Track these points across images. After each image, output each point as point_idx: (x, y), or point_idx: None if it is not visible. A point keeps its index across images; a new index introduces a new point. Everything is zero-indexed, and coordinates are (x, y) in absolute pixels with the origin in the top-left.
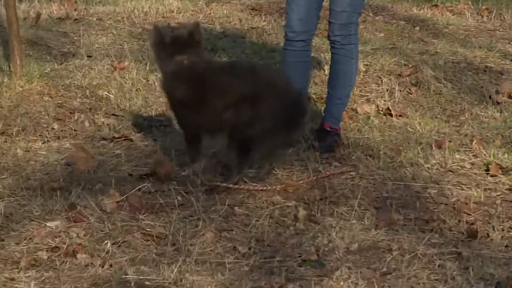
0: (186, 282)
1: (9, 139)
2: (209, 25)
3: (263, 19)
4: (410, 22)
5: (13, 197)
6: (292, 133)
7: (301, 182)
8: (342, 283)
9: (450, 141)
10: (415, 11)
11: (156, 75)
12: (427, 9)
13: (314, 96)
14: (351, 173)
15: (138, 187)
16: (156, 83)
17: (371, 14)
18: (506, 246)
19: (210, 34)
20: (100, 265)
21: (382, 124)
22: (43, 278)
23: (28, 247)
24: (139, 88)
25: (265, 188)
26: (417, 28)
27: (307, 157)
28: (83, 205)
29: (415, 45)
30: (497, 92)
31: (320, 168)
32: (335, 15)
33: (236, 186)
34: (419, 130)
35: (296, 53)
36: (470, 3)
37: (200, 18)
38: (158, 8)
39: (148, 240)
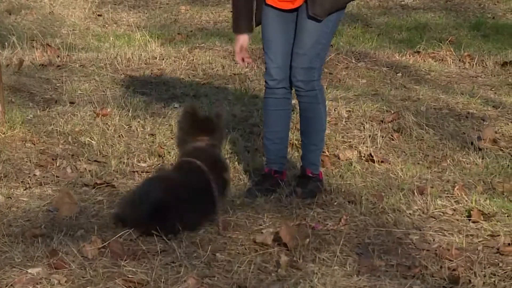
0: None
1: None
2: (192, 72)
3: (246, 65)
4: (392, 68)
5: None
6: None
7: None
8: None
9: (432, 187)
10: (397, 57)
11: (139, 121)
12: (409, 56)
13: (296, 142)
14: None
15: (120, 234)
16: (138, 129)
17: (353, 61)
18: None
19: (192, 80)
20: None
21: (364, 170)
22: None
23: None
24: (121, 135)
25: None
26: (399, 74)
27: (289, 202)
28: (65, 252)
29: (397, 92)
30: (479, 138)
31: (307, 213)
32: (297, 58)
33: None
34: (401, 176)
35: (278, 101)
36: (452, 49)
37: (183, 64)
38: (141, 55)
39: (129, 287)
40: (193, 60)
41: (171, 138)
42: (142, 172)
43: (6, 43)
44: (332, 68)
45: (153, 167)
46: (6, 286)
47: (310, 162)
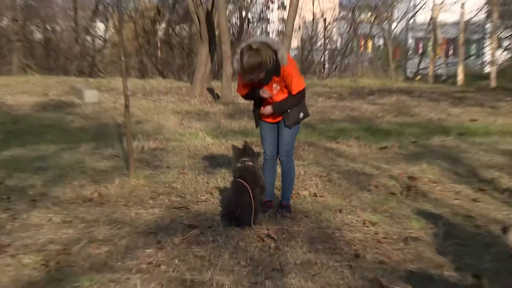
0: None
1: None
2: (227, 151)
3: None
4: (326, 150)
5: None
6: None
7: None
8: None
9: (346, 209)
10: (329, 145)
11: (202, 177)
12: (335, 144)
13: (278, 186)
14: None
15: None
16: (201, 180)
17: (307, 147)
18: None
19: (228, 155)
20: None
21: (312, 201)
22: None
23: None
24: (192, 183)
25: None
26: (330, 153)
27: (275, 216)
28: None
29: (329, 161)
30: (369, 184)
31: (284, 222)
32: (282, 148)
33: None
34: (330, 203)
35: (270, 163)
36: (356, 140)
37: (222, 148)
38: (201, 143)
39: None
40: (227, 145)
41: (218, 185)
42: (203, 201)
43: (136, 138)
44: (296, 150)
45: (207, 201)
46: None
47: (285, 197)
